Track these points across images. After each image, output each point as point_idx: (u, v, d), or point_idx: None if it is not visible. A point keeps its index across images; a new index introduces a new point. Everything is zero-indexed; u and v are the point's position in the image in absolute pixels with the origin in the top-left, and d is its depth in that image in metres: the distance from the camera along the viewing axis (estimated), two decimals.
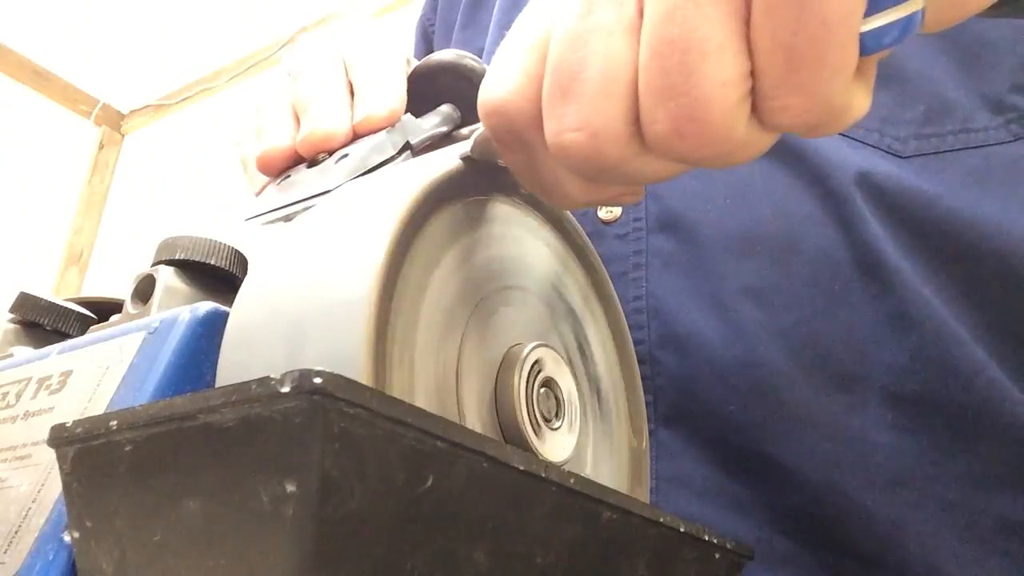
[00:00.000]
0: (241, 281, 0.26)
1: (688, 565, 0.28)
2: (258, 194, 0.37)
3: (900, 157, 0.41)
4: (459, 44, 0.62)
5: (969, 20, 0.23)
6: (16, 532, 0.24)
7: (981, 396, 0.37)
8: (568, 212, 0.34)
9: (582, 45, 0.22)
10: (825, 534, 0.37)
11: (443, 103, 0.37)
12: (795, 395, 0.38)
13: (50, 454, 0.22)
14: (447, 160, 0.27)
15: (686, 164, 0.24)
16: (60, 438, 0.21)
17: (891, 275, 0.38)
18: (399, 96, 0.36)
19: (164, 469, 0.19)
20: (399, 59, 0.38)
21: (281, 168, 0.35)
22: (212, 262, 0.31)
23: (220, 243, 0.32)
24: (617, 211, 0.44)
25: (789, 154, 0.41)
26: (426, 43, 0.68)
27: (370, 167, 0.32)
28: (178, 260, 0.31)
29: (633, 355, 0.36)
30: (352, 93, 0.37)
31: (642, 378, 0.40)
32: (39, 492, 0.24)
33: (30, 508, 0.24)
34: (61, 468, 0.22)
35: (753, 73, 0.21)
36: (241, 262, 0.33)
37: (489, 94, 0.25)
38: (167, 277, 0.30)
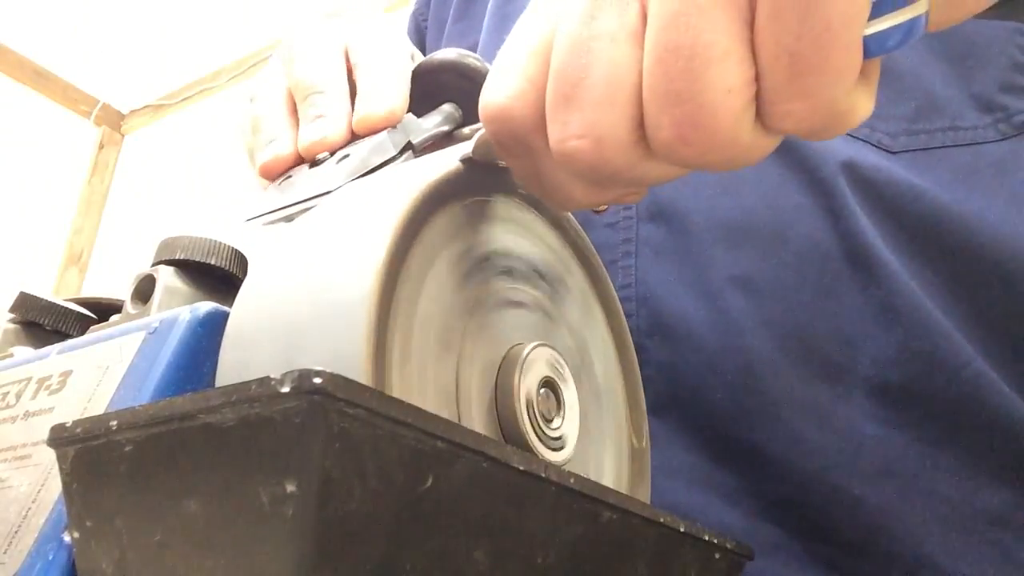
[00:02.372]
0: (241, 281, 0.26)
1: (688, 565, 0.28)
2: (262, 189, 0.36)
3: (890, 152, 0.41)
4: (452, 38, 0.62)
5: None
6: (16, 532, 0.24)
7: (967, 389, 0.37)
8: (568, 212, 0.34)
9: (585, 52, 0.22)
10: (813, 523, 0.38)
11: (445, 102, 0.37)
12: (781, 384, 0.39)
13: (50, 454, 0.22)
14: (447, 161, 0.27)
15: (691, 168, 0.24)
16: (60, 438, 0.21)
17: (879, 267, 0.39)
18: (401, 95, 0.35)
19: (164, 469, 0.19)
20: (404, 56, 0.37)
21: (284, 172, 0.35)
22: (212, 262, 0.31)
23: (220, 243, 0.32)
24: None
25: (780, 145, 0.42)
26: (419, 36, 0.68)
27: (371, 167, 0.31)
28: (178, 260, 0.31)
29: (633, 354, 0.36)
30: (352, 86, 0.36)
31: None
32: (39, 492, 0.24)
33: (30, 508, 0.24)
34: (61, 468, 0.22)
35: (757, 78, 0.21)
36: (241, 262, 0.33)
37: (491, 99, 0.25)
38: (167, 277, 0.30)
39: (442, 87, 0.37)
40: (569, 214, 0.34)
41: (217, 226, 0.34)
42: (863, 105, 0.22)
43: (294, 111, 0.36)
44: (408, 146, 0.33)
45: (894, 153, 0.41)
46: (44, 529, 0.23)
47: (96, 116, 2.62)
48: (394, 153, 0.32)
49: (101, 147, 2.65)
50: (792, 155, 0.41)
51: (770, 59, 0.21)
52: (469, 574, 0.20)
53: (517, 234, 0.31)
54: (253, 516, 0.17)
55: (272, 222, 0.32)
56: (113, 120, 2.69)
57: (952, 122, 0.41)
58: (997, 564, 0.36)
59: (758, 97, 0.21)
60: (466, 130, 0.36)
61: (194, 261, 0.31)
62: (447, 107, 0.36)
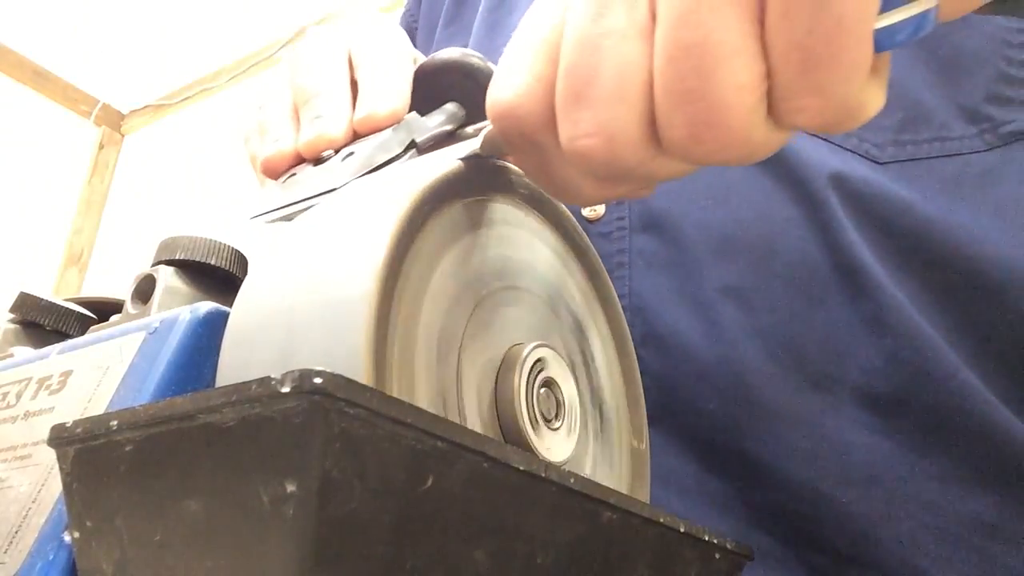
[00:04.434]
0: (241, 281, 0.26)
1: (688, 565, 0.28)
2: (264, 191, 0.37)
3: (877, 163, 0.41)
4: (442, 42, 0.62)
5: (947, 29, 0.23)
6: (16, 532, 0.24)
7: (954, 398, 0.37)
8: (568, 213, 0.34)
9: (595, 49, 0.22)
10: (802, 531, 0.38)
11: (448, 101, 0.37)
12: (772, 394, 0.39)
13: (50, 454, 0.22)
14: (447, 160, 0.27)
15: (703, 165, 0.24)
16: (60, 438, 0.21)
17: (867, 279, 0.39)
18: (403, 94, 0.35)
19: (164, 469, 0.19)
20: (405, 56, 0.38)
21: (286, 169, 0.35)
22: (212, 262, 0.31)
23: (220, 243, 0.32)
24: (600, 210, 0.44)
25: (770, 157, 0.42)
26: (408, 39, 0.68)
27: (376, 165, 0.32)
28: (178, 260, 0.31)
29: (633, 355, 0.36)
30: (355, 88, 0.36)
31: None
32: (39, 492, 0.24)
33: (30, 508, 0.24)
34: (61, 468, 0.22)
35: (768, 74, 0.21)
36: (241, 262, 0.33)
37: (499, 96, 0.25)
38: (167, 277, 0.30)
39: (445, 87, 0.37)
40: (570, 215, 0.34)
41: (219, 225, 0.34)
42: (875, 99, 0.22)
43: (298, 116, 0.37)
44: (412, 144, 0.33)
45: (881, 164, 0.41)
46: (44, 529, 0.23)
47: (96, 116, 2.62)
48: (399, 151, 0.33)
49: (101, 147, 2.64)
50: (782, 167, 0.41)
51: (781, 55, 0.20)
52: (469, 574, 0.20)
53: (517, 234, 0.31)
54: (253, 516, 0.17)
55: (275, 220, 0.32)
56: (113, 120, 2.69)
57: (939, 132, 0.41)
58: (984, 572, 0.36)
59: (770, 93, 0.21)
60: (470, 129, 0.36)
61: (194, 261, 0.31)
62: (450, 106, 0.36)
